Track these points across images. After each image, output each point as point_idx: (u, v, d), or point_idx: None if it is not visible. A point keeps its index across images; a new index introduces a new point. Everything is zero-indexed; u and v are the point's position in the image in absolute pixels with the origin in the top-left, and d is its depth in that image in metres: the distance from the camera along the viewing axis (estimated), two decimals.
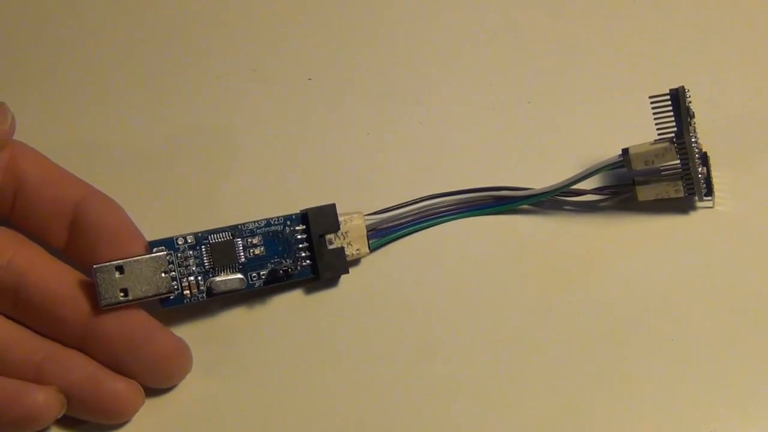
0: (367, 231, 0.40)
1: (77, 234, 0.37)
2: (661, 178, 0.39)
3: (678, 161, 0.38)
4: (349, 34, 0.47)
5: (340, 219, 0.39)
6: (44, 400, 0.34)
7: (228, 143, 0.43)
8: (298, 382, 0.38)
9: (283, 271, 0.38)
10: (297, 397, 0.38)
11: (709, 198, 0.39)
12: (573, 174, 0.40)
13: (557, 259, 0.40)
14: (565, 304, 0.39)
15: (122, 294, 0.36)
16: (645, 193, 0.40)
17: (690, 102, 0.38)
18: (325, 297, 0.40)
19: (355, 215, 0.40)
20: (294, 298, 0.40)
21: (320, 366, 0.38)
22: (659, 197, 0.39)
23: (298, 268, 0.38)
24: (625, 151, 0.38)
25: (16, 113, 0.37)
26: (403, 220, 0.41)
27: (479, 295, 0.39)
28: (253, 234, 0.38)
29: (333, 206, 0.39)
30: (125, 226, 0.37)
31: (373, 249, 0.40)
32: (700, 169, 0.38)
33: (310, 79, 0.46)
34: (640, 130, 0.40)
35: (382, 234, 0.40)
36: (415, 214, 0.41)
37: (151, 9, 0.47)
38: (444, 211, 0.41)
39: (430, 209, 0.41)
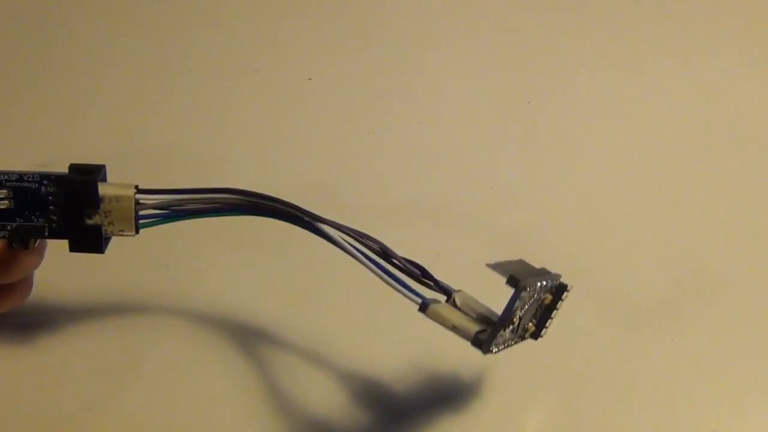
0: (137, 211, 0.33)
1: None
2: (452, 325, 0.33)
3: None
4: (349, 34, 0.48)
5: (106, 194, 0.33)
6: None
7: (228, 143, 0.44)
8: None
9: (21, 229, 0.34)
10: None
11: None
12: None
13: None
14: None
15: None
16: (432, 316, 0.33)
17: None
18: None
19: (125, 192, 0.33)
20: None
21: None
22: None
23: (46, 232, 0.34)
24: (424, 307, 0.33)
25: (14, 109, 0.40)
26: (183, 207, 0.34)
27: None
28: (0, 185, 0.33)
29: (100, 169, 0.33)
30: None
31: (143, 228, 0.34)
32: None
33: (310, 79, 0.46)
34: None
35: (157, 215, 0.34)
36: (196, 202, 0.34)
37: (151, 9, 0.49)
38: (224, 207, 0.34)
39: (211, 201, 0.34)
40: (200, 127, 0.44)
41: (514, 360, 0.34)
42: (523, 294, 0.30)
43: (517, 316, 0.32)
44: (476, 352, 0.30)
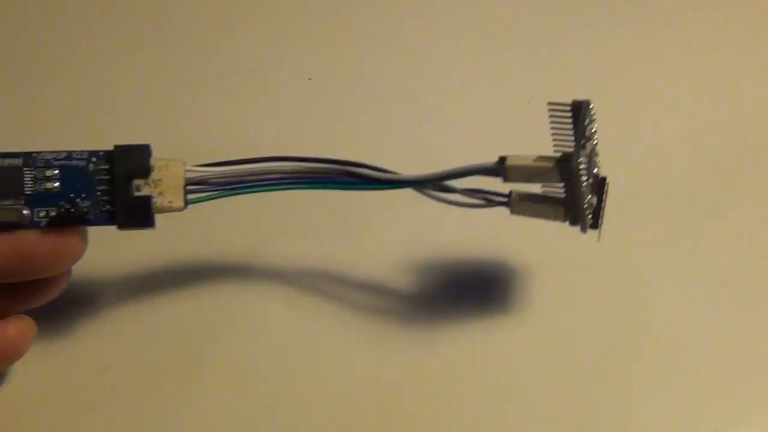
0: (189, 184, 0.34)
1: None
2: (541, 198, 0.33)
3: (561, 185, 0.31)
4: (349, 34, 0.47)
5: (155, 165, 0.33)
6: (16, 331, 0.34)
7: (228, 143, 0.44)
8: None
9: (70, 208, 0.33)
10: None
11: (595, 230, 0.33)
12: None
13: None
14: None
15: None
16: (520, 208, 0.33)
17: (594, 119, 0.32)
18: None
19: (174, 162, 0.33)
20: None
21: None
22: (537, 217, 0.33)
23: (94, 212, 0.33)
24: (503, 159, 0.32)
25: (12, 112, 0.40)
26: (237, 179, 0.34)
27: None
28: (48, 165, 0.33)
29: (146, 147, 0.33)
30: None
31: (192, 203, 0.34)
32: (589, 197, 0.32)
33: (310, 79, 0.46)
34: None
35: (209, 190, 0.34)
36: (251, 175, 0.34)
37: (150, 9, 0.49)
38: (285, 178, 0.34)
39: (269, 172, 0.34)
40: (200, 127, 0.44)
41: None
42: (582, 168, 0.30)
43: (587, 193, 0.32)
44: None
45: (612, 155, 0.35)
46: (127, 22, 0.48)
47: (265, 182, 0.34)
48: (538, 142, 0.37)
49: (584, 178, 0.31)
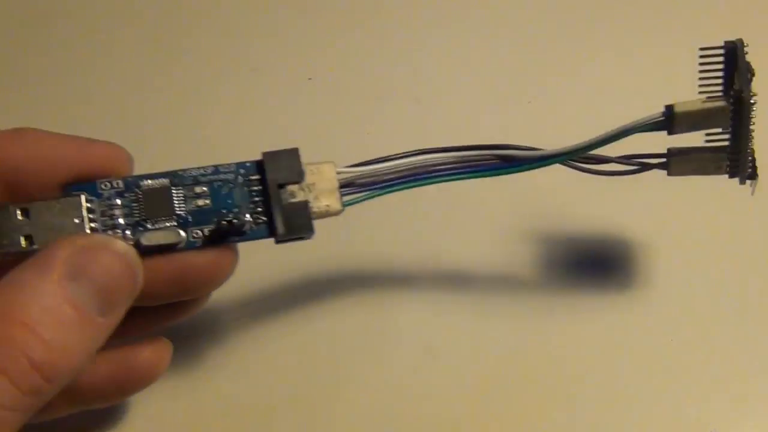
0: (341, 185, 0.33)
1: None
2: (702, 149, 0.32)
3: (729, 128, 0.31)
4: (349, 34, 0.47)
5: (306, 168, 0.33)
6: (152, 354, 0.32)
7: (227, 143, 0.43)
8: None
9: (229, 223, 0.32)
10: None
11: (752, 181, 0.33)
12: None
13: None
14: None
15: (26, 242, 0.30)
16: (679, 166, 0.33)
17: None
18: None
19: (326, 164, 0.33)
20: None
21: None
22: (695, 174, 0.33)
23: (251, 225, 0.32)
24: (669, 108, 0.32)
25: (12, 110, 0.39)
26: (386, 177, 0.34)
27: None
28: (196, 182, 0.32)
29: (295, 150, 0.33)
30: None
31: (348, 205, 0.33)
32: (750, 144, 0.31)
33: (310, 79, 0.46)
34: None
35: (358, 191, 0.34)
36: (401, 171, 0.34)
37: (150, 8, 0.48)
38: (436, 170, 0.34)
39: (419, 166, 0.34)
40: (199, 127, 0.43)
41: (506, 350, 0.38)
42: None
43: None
44: None
45: None
46: (127, 22, 0.48)
47: (417, 177, 0.34)
48: (539, 142, 0.39)
49: (754, 111, 0.31)
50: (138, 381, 0.33)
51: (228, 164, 0.33)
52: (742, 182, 0.33)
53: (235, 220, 0.31)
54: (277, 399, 0.37)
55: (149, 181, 0.32)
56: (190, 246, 0.32)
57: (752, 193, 0.33)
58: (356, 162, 0.34)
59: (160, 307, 0.33)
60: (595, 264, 0.40)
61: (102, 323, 0.27)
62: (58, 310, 0.26)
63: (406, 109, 0.45)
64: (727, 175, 0.33)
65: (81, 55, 0.46)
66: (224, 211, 0.32)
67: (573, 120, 0.42)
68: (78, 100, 0.45)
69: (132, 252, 0.29)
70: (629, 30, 0.47)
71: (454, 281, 0.40)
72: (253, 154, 0.39)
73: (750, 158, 0.32)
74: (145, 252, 0.31)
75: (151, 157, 0.39)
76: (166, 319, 0.34)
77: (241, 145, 0.40)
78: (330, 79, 0.46)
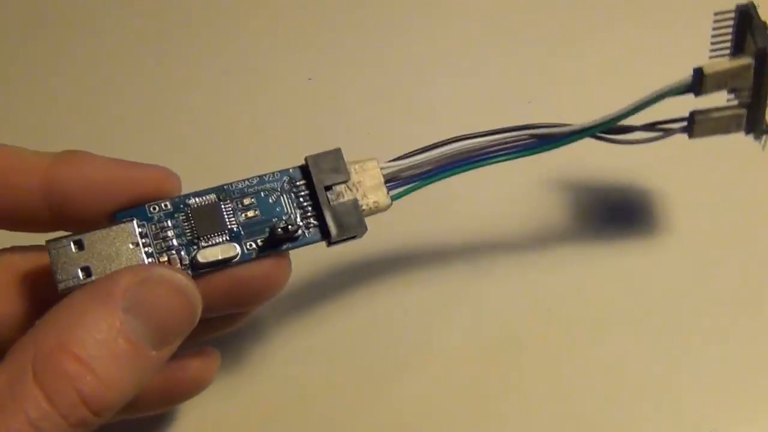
0: (386, 180, 0.33)
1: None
2: (723, 108, 0.34)
3: (750, 86, 0.33)
4: (349, 34, 0.47)
5: (350, 167, 0.33)
6: (201, 364, 0.32)
7: (228, 143, 0.43)
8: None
9: (283, 230, 0.31)
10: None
11: (765, 137, 0.34)
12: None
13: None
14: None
15: (84, 274, 0.30)
16: (701, 127, 0.34)
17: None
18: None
19: (369, 161, 0.33)
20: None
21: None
22: (715, 133, 0.34)
23: (303, 231, 0.32)
24: (699, 71, 0.32)
25: (18, 110, 0.39)
26: (428, 167, 0.34)
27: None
28: (243, 194, 0.32)
29: (338, 151, 0.33)
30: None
31: (395, 199, 0.33)
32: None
33: (310, 79, 0.46)
34: None
35: (402, 184, 0.34)
36: (441, 160, 0.34)
37: (150, 9, 0.47)
38: (475, 156, 0.35)
39: (457, 153, 0.35)
40: (199, 127, 0.43)
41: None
42: None
43: None
44: None
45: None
46: (127, 22, 0.47)
47: (458, 164, 0.35)
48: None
49: None
50: (187, 391, 0.33)
51: (272, 173, 0.32)
52: (758, 137, 0.34)
53: (289, 226, 0.31)
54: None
55: (196, 199, 0.32)
56: (245, 258, 0.31)
57: (763, 148, 0.35)
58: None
59: (212, 318, 0.32)
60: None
61: (155, 357, 0.27)
62: (114, 343, 0.26)
63: (406, 109, 0.45)
64: (743, 132, 0.34)
65: (79, 55, 0.47)
66: (275, 219, 0.32)
67: (573, 120, 0.41)
68: (76, 99, 0.45)
69: (192, 286, 0.29)
70: (629, 30, 0.47)
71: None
72: (254, 154, 0.40)
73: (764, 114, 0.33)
74: (202, 269, 0.30)
75: (151, 156, 0.39)
76: (217, 329, 0.34)
77: (242, 145, 0.43)
78: (330, 79, 0.46)
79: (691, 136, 0.35)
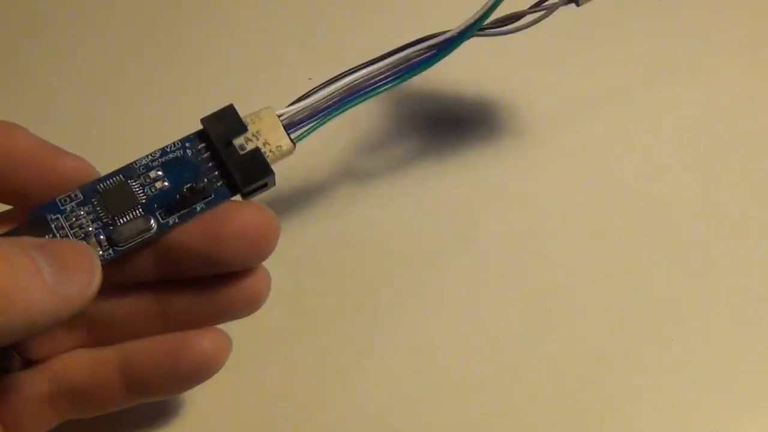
0: (285, 125, 0.34)
1: None
2: None
3: None
4: (349, 34, 0.47)
5: (247, 119, 0.34)
6: (211, 344, 0.31)
7: None
8: None
9: (188, 189, 0.32)
10: None
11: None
12: None
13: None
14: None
15: None
16: None
17: None
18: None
19: (263, 110, 0.34)
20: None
21: None
22: None
23: (213, 189, 0.33)
24: None
25: (14, 111, 0.38)
26: (327, 104, 0.35)
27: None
28: (149, 168, 0.33)
29: (230, 106, 0.34)
30: None
31: (299, 140, 0.34)
32: None
33: (310, 79, 0.43)
34: None
35: (305, 124, 0.34)
36: (340, 94, 0.35)
37: (150, 9, 0.48)
38: (375, 82, 0.35)
39: (355, 84, 0.35)
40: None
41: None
42: None
43: None
44: None
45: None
46: (126, 22, 0.48)
47: (359, 93, 0.35)
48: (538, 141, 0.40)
49: None
50: (197, 371, 0.32)
51: (173, 143, 0.33)
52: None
53: (194, 185, 0.32)
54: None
55: (105, 182, 0.33)
56: (163, 228, 0.32)
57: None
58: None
59: (218, 300, 0.33)
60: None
61: (51, 289, 0.27)
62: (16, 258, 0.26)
63: (406, 109, 0.45)
64: None
65: (78, 56, 0.47)
66: (187, 187, 0.32)
67: (573, 120, 0.43)
68: (76, 99, 0.46)
69: (91, 249, 0.30)
70: (629, 31, 0.48)
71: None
72: None
73: None
74: (123, 245, 0.32)
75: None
76: (226, 314, 0.33)
77: None
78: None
79: (579, 4, 0.35)
